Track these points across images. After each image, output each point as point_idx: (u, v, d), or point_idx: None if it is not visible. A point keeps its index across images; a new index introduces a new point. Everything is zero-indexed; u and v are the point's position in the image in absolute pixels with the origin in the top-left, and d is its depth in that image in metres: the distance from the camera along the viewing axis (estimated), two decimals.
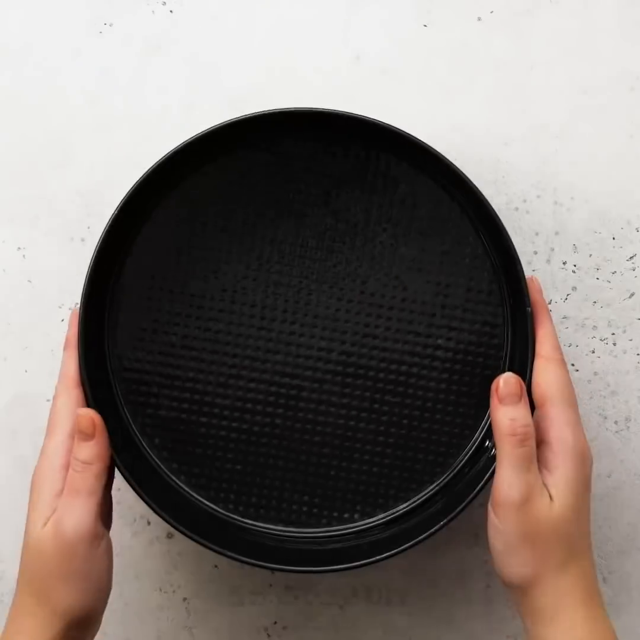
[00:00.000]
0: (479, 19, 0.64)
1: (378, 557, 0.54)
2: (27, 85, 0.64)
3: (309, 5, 0.64)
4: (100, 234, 0.64)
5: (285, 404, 0.60)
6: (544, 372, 0.53)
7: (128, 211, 0.57)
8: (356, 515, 0.59)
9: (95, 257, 0.56)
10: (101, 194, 0.64)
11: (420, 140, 0.56)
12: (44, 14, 0.64)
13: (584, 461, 0.51)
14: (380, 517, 0.59)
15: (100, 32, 0.64)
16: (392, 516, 0.59)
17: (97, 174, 0.64)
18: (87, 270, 0.55)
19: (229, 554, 0.54)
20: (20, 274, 0.64)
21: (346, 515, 0.59)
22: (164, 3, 0.65)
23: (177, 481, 0.59)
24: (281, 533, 0.59)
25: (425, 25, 0.64)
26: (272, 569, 0.58)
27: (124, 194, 0.56)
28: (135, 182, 0.56)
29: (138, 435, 0.59)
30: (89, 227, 0.64)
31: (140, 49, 0.64)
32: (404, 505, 0.59)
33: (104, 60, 0.64)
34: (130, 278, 0.60)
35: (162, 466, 0.59)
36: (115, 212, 0.56)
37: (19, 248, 0.64)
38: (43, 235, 0.64)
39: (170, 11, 0.65)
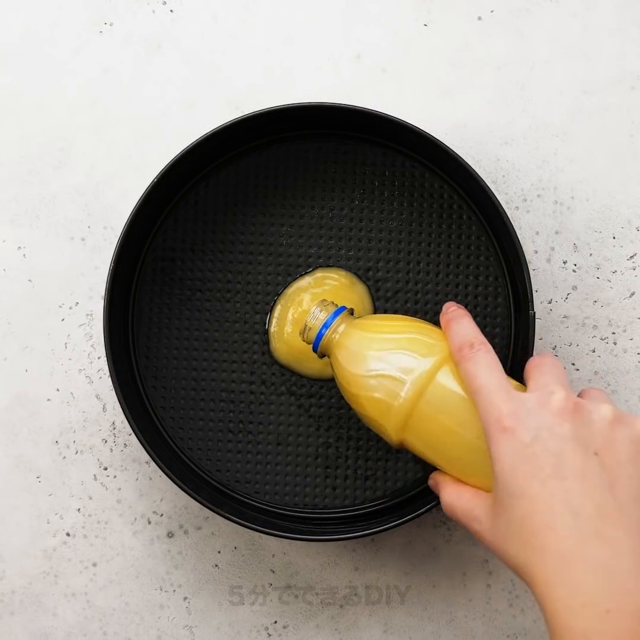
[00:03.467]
0: (479, 18, 0.64)
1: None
2: (27, 85, 0.64)
3: (309, 4, 0.64)
4: (101, 233, 0.64)
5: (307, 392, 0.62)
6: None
7: (153, 200, 0.59)
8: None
9: (121, 242, 0.57)
10: (101, 194, 0.64)
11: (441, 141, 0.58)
12: (44, 13, 0.64)
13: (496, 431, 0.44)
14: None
15: (101, 32, 0.64)
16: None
17: (97, 174, 0.64)
18: (111, 261, 0.57)
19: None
20: (20, 274, 0.64)
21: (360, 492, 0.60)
22: (164, 2, 0.65)
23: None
24: (306, 513, 0.61)
25: (425, 25, 0.64)
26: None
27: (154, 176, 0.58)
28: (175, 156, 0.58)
29: (160, 419, 0.61)
30: (89, 227, 0.64)
31: (141, 49, 0.64)
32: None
33: (104, 60, 0.64)
34: (150, 273, 0.61)
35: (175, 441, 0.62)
36: (148, 189, 0.58)
37: (19, 248, 0.64)
38: (43, 235, 0.64)
39: (171, 11, 0.64)
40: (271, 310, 0.61)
